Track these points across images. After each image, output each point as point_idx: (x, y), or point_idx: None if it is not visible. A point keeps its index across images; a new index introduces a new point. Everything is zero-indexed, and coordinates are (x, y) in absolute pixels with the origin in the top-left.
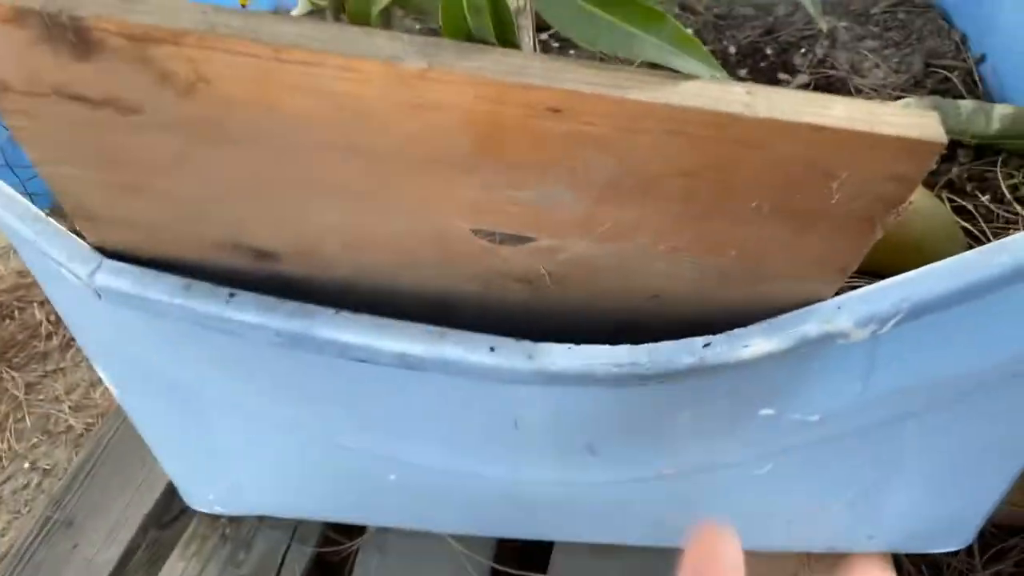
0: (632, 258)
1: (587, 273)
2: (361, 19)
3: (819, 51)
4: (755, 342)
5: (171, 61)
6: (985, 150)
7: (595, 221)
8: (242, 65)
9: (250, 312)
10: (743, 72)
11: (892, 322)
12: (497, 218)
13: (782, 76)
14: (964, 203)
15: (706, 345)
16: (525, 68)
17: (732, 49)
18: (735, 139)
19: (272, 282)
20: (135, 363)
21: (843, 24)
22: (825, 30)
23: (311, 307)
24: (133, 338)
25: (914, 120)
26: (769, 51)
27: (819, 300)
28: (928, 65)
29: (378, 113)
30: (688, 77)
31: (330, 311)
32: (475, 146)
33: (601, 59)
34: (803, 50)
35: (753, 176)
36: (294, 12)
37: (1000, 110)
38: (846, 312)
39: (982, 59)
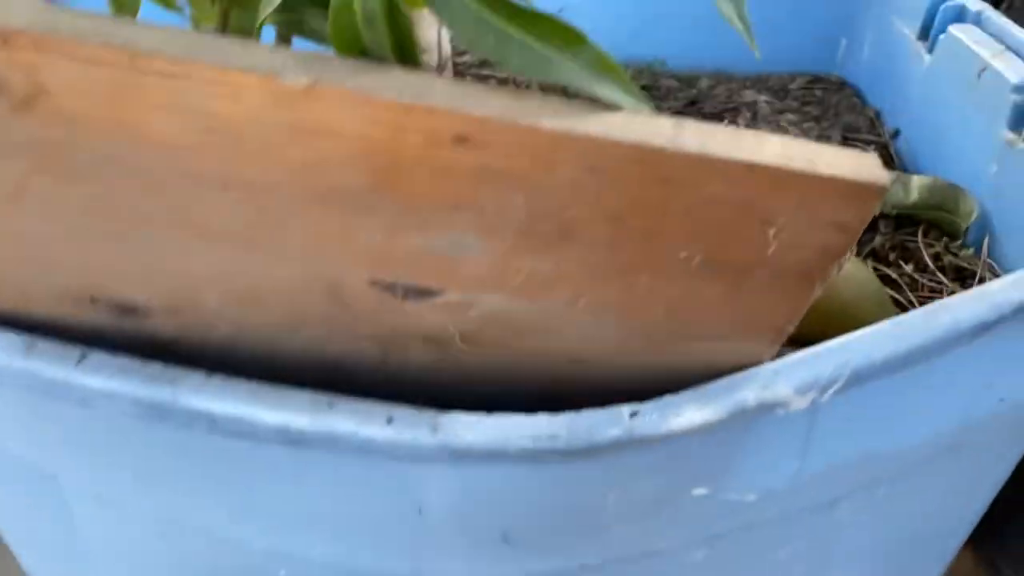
0: (551, 316)
1: (501, 333)
2: (244, 35)
3: (742, 123)
4: (687, 411)
5: (2, 67)
6: (905, 220)
7: (509, 272)
8: (91, 75)
9: (104, 376)
10: None
11: (833, 389)
12: (399, 267)
13: None
14: (889, 272)
15: (633, 414)
16: (426, 89)
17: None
18: (660, 177)
19: (139, 343)
20: None
21: (764, 98)
22: (759, 56)
23: (177, 370)
24: None
25: (855, 161)
26: None
27: (757, 364)
28: (846, 139)
29: (255, 138)
30: (610, 107)
31: (199, 375)
32: (372, 181)
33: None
34: (726, 122)
35: (682, 221)
36: None
37: (917, 181)
38: (784, 378)
39: (896, 133)
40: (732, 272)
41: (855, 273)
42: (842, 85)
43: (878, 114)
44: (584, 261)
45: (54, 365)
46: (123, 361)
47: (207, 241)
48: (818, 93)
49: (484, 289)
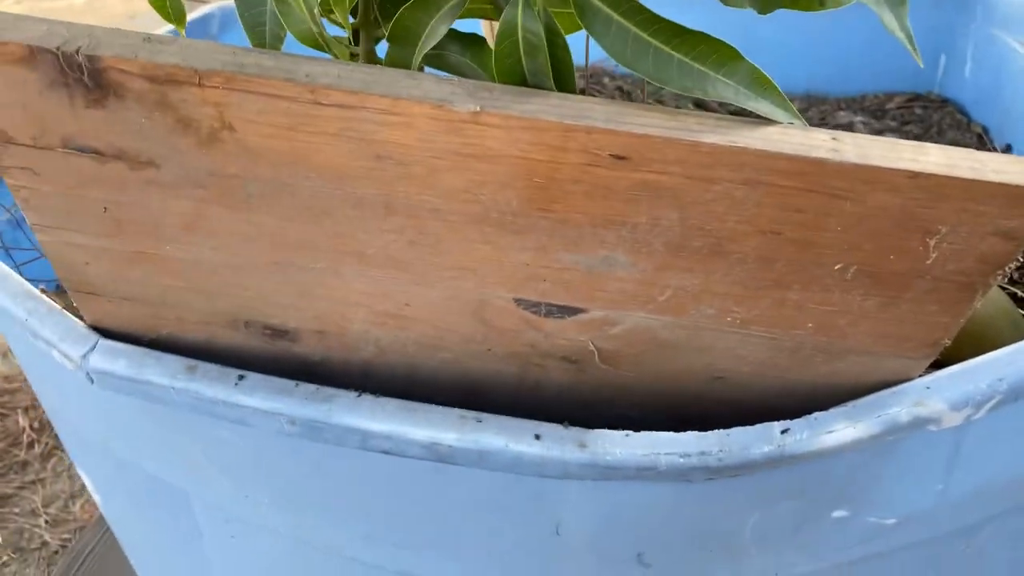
0: (696, 332)
1: (642, 350)
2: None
3: None
4: (838, 428)
5: (194, 106)
6: None
7: (655, 288)
8: (273, 109)
9: (262, 396)
10: None
11: (989, 405)
12: (545, 286)
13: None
14: (1016, 291)
15: (784, 431)
16: (587, 111)
17: None
18: (821, 189)
19: (285, 365)
20: (123, 464)
21: (860, 119)
22: (922, 65)
23: (330, 390)
24: (125, 432)
25: (1019, 167)
26: None
27: (904, 380)
28: None
29: (422, 163)
30: (765, 122)
31: (351, 394)
32: (528, 201)
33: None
34: None
35: (840, 233)
36: None
37: None
38: (938, 393)
39: (1008, 149)
40: (888, 283)
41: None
42: (943, 103)
43: (985, 130)
44: (734, 276)
45: (215, 386)
46: (278, 382)
47: (363, 265)
48: (918, 112)
49: (629, 306)
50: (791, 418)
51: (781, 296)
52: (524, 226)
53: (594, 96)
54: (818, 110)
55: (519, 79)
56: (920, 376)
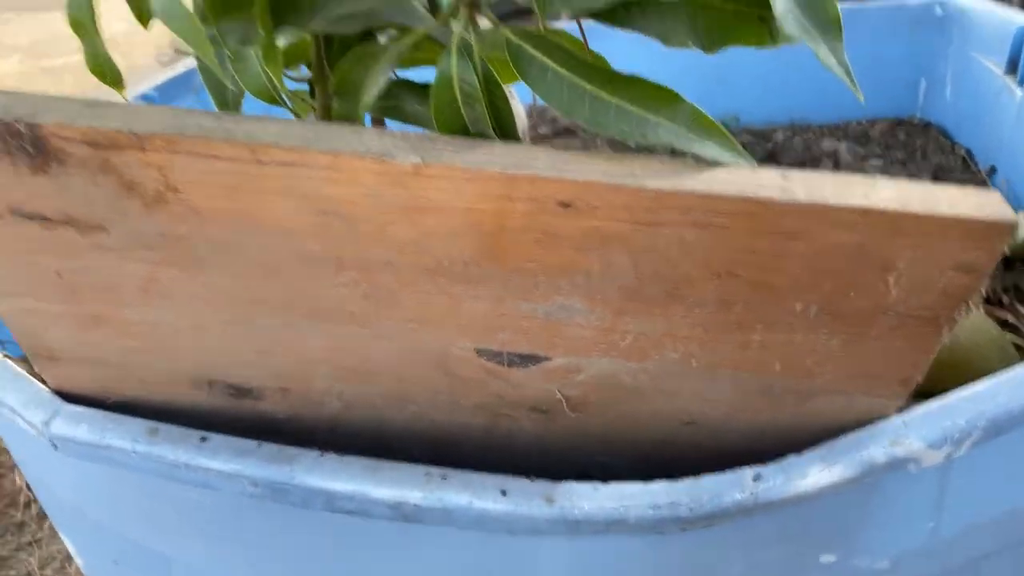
0: (662, 377)
1: (609, 396)
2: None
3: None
4: (813, 471)
5: (137, 169)
6: (1012, 260)
7: (616, 334)
8: (216, 170)
9: (225, 458)
10: None
11: (969, 441)
12: (505, 335)
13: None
14: (1005, 316)
15: (757, 477)
16: (530, 160)
17: None
18: (773, 230)
19: (251, 423)
20: (100, 528)
21: (844, 145)
22: (861, 99)
23: (293, 450)
24: (97, 497)
25: (977, 199)
26: None
27: (880, 418)
28: (938, 179)
29: (369, 217)
30: (712, 164)
31: (313, 453)
32: (479, 251)
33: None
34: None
35: (797, 272)
36: None
37: (1022, 219)
38: (915, 431)
39: (993, 171)
40: (851, 321)
41: (971, 319)
42: (926, 127)
43: (969, 153)
44: (695, 319)
45: (177, 449)
46: (241, 443)
47: (319, 320)
48: (901, 136)
49: (592, 353)
50: (768, 460)
51: (744, 338)
52: (478, 276)
53: (546, 137)
54: (803, 138)
55: (461, 129)
56: (898, 412)
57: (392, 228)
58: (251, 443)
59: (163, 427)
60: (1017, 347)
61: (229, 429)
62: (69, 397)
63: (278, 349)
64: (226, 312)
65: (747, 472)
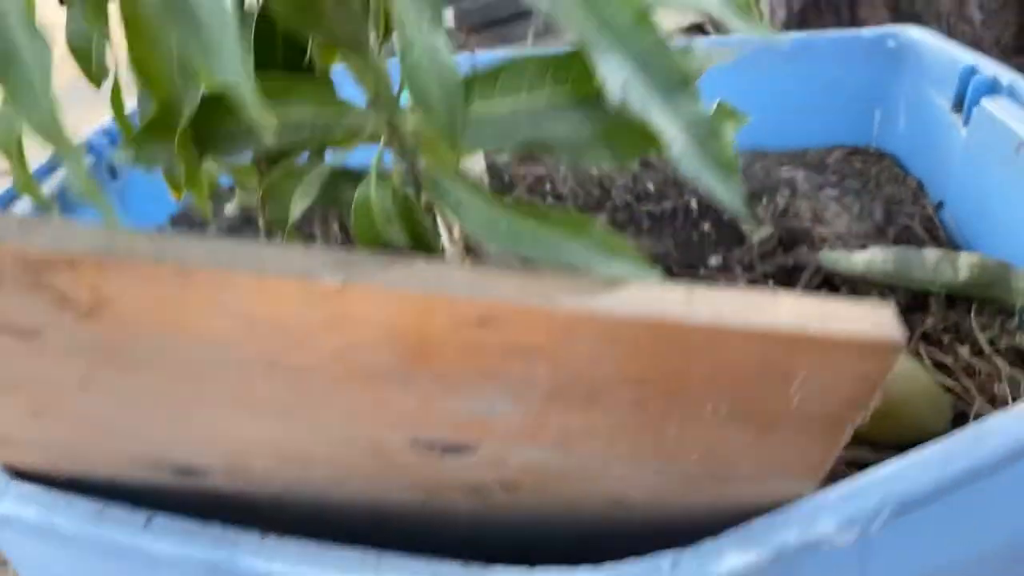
0: (588, 464)
1: (540, 481)
2: (279, 224)
3: (781, 201)
4: (729, 556)
5: (70, 285)
6: (957, 299)
7: (543, 429)
8: (145, 288)
9: (170, 540)
10: (706, 225)
11: (879, 521)
12: (436, 429)
13: (746, 228)
14: (943, 358)
15: (674, 565)
16: (449, 279)
17: (694, 204)
18: (678, 345)
19: (199, 499)
20: None
21: (802, 174)
22: (759, 238)
23: (235, 533)
24: (48, 574)
25: (870, 316)
26: None
27: (797, 497)
28: (889, 212)
29: (295, 331)
30: (625, 281)
31: (255, 536)
32: (403, 359)
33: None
34: (764, 200)
35: (704, 381)
36: (228, 209)
37: (966, 259)
38: (827, 513)
39: (940, 206)
40: (759, 421)
41: (904, 368)
42: (881, 156)
43: (920, 185)
44: (613, 417)
45: (123, 529)
46: (186, 524)
47: (255, 415)
48: (857, 165)
49: (519, 444)
50: (699, 536)
51: (661, 432)
52: (405, 379)
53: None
54: (762, 165)
55: (383, 245)
56: (812, 494)
57: (319, 338)
58: (196, 524)
59: (109, 508)
60: (951, 390)
61: (178, 502)
62: (21, 473)
63: (217, 438)
64: (164, 406)
65: (664, 561)
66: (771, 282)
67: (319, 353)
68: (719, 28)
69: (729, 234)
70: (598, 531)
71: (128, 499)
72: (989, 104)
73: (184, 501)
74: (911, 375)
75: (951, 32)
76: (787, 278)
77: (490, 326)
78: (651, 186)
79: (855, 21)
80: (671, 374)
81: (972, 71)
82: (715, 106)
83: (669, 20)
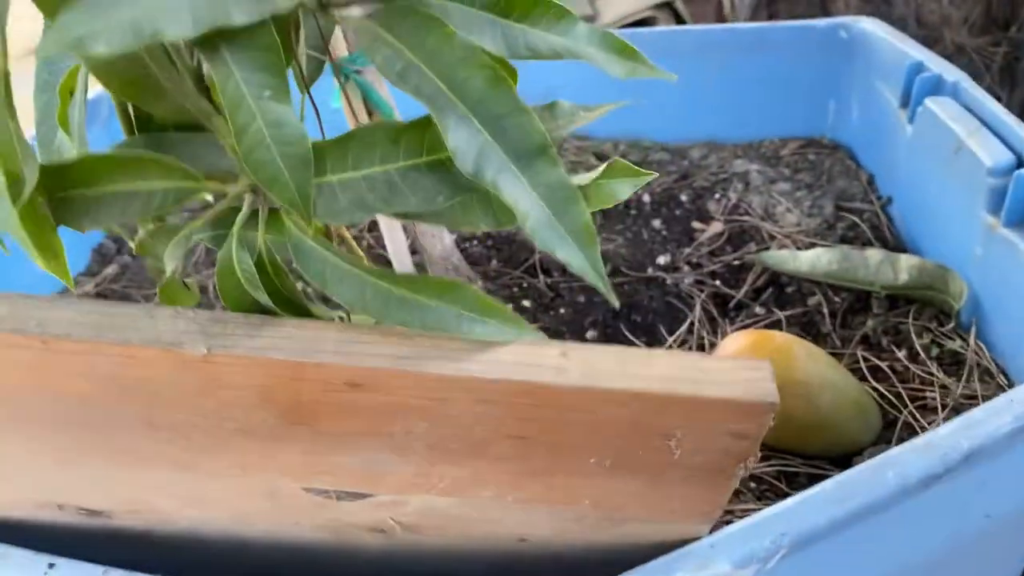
0: (483, 509)
1: (441, 524)
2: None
3: (733, 196)
4: None
5: None
6: (898, 300)
7: (432, 478)
8: (13, 355)
9: None
10: (657, 222)
11: (776, 559)
12: (326, 477)
13: (696, 225)
14: (880, 362)
15: None
16: (316, 343)
17: (647, 198)
18: (552, 405)
19: (108, 539)
20: None
21: (755, 167)
22: (616, 305)
23: None
24: None
25: (744, 376)
26: (684, 197)
27: (695, 537)
28: (839, 208)
29: (168, 392)
30: (498, 342)
31: None
32: (281, 418)
33: None
34: (717, 195)
35: (583, 437)
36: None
37: (906, 261)
38: (721, 552)
39: (888, 201)
40: (644, 472)
41: (832, 380)
42: (835, 148)
43: (872, 179)
44: (500, 468)
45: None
46: (88, 570)
47: (145, 466)
48: (811, 158)
49: (413, 491)
50: (600, 573)
51: (549, 481)
52: (285, 435)
53: None
54: (717, 156)
55: (250, 306)
56: (708, 534)
57: (192, 400)
58: (97, 569)
59: (12, 551)
60: (884, 396)
61: (87, 544)
62: None
63: (115, 485)
64: (55, 455)
65: None
66: (718, 281)
67: (196, 413)
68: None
69: (680, 231)
70: (508, 565)
71: (39, 538)
72: (932, 104)
73: (95, 540)
74: (841, 388)
75: (920, 11)
76: (734, 277)
77: (361, 389)
78: None
79: (825, 3)
80: (550, 431)
81: (919, 68)
82: (612, 163)
83: (614, 11)
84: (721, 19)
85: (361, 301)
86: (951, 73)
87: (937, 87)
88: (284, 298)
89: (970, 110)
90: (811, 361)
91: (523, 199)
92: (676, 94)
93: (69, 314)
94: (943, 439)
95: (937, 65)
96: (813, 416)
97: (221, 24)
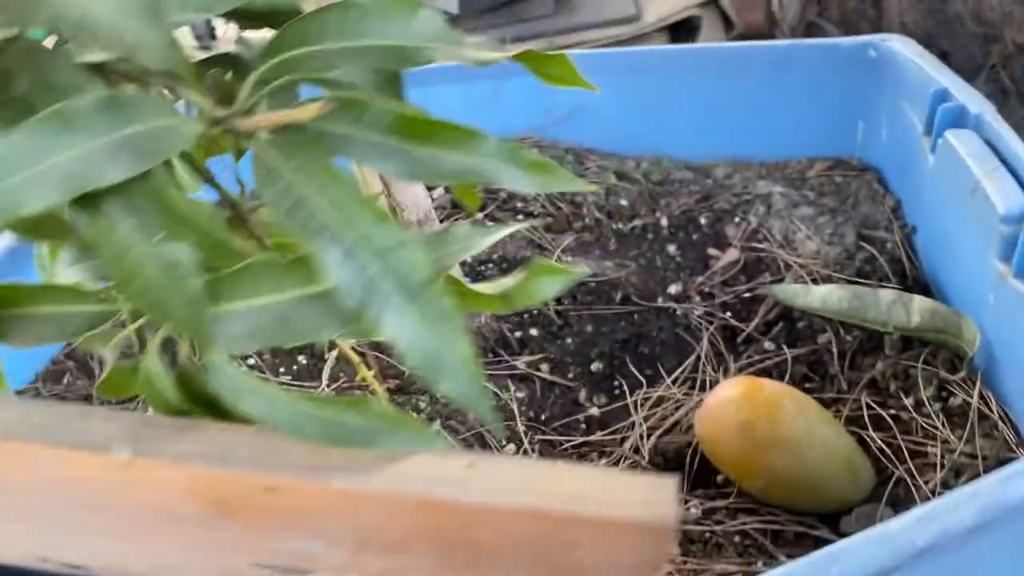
0: None
1: None
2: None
3: (753, 220)
4: None
5: None
6: (912, 341)
7: (362, 563)
8: None
9: None
10: (672, 248)
11: None
12: (269, 558)
13: (712, 251)
14: (883, 410)
15: None
16: (233, 450)
17: (664, 221)
18: (456, 519)
19: None
20: None
21: (779, 189)
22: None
23: None
24: None
25: (647, 497)
26: (703, 220)
27: None
28: (860, 236)
29: (102, 490)
30: (406, 453)
31: None
32: (208, 514)
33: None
34: (737, 219)
35: (492, 546)
36: None
37: (919, 304)
38: None
39: (913, 231)
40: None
41: (823, 436)
42: (864, 170)
43: (898, 204)
44: (425, 561)
45: None
46: None
47: (104, 539)
48: (838, 180)
49: (349, 571)
50: None
51: (482, 571)
52: (216, 526)
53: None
54: (742, 176)
55: (176, 410)
56: None
57: (125, 495)
58: None
59: None
60: (881, 450)
61: None
62: None
63: (85, 547)
64: (10, 524)
65: None
66: (728, 313)
67: (131, 504)
68: (728, 18)
69: (695, 258)
70: None
71: None
72: (952, 137)
73: None
74: (831, 445)
75: (978, 8)
76: (746, 309)
77: (277, 494)
78: (624, 202)
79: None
80: (458, 540)
81: (943, 96)
82: (536, 265)
83: (656, 10)
84: (769, 15)
85: (273, 418)
86: (976, 104)
87: (960, 118)
88: (208, 404)
89: (991, 145)
90: (801, 416)
91: (405, 333)
92: (701, 111)
93: (14, 415)
94: (897, 533)
95: (962, 94)
96: (800, 473)
97: (94, 186)
